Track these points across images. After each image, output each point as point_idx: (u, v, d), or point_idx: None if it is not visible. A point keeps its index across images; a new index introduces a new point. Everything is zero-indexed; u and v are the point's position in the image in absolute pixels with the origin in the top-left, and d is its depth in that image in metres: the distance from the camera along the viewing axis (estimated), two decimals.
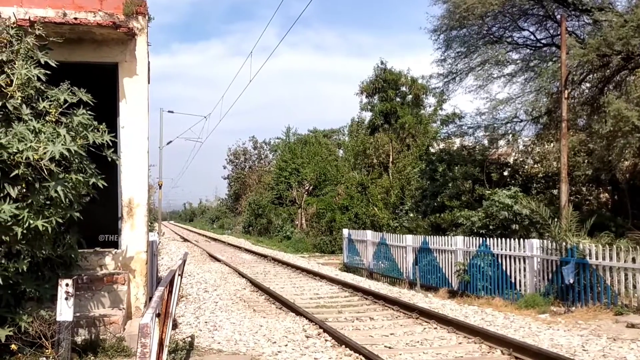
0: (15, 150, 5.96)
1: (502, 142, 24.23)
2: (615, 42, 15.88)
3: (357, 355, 8.29)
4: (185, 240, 45.82)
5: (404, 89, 37.41)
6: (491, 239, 14.86)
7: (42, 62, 6.80)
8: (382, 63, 37.31)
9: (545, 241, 13.46)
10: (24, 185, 6.12)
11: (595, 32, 17.66)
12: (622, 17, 16.45)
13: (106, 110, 8.30)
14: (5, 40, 6.64)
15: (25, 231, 6.02)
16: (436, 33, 21.93)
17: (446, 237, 17.03)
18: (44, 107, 6.61)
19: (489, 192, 19.61)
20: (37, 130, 6.26)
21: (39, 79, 6.60)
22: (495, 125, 22.44)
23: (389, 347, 8.98)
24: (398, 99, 36.97)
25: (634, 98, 15.92)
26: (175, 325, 9.92)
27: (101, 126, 7.01)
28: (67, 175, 6.41)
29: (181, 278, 9.06)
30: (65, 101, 6.77)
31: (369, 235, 21.69)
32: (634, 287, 11.26)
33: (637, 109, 15.21)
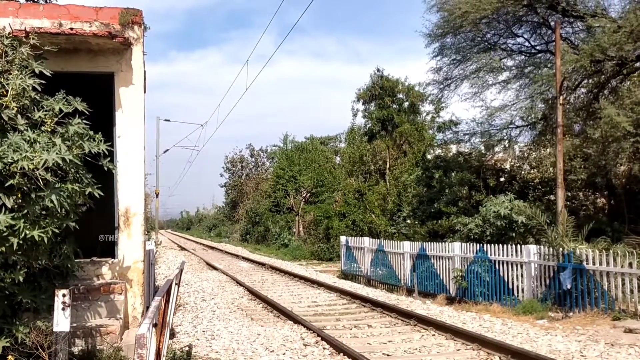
0: (10, 160, 5.94)
1: (498, 148, 24.26)
2: (609, 48, 15.95)
3: None
4: (183, 248, 45.74)
5: (400, 96, 37.53)
6: (488, 245, 14.87)
7: (37, 72, 6.80)
8: (378, 70, 37.46)
9: (542, 247, 13.49)
10: (19, 196, 6.09)
11: (589, 38, 17.74)
12: (615, 23, 16.54)
13: (103, 119, 8.31)
14: (0, 51, 6.65)
15: (21, 241, 5.99)
16: (430, 37, 22.00)
17: (443, 243, 17.04)
18: (39, 117, 6.60)
19: (485, 198, 19.65)
20: (33, 140, 6.24)
21: (34, 88, 6.59)
22: (491, 131, 22.49)
23: (387, 355, 8.98)
24: (395, 106, 37.07)
25: (627, 104, 15.98)
26: (172, 335, 9.90)
27: (97, 135, 7.00)
28: (63, 184, 6.39)
29: (178, 287, 9.04)
30: (61, 111, 6.76)
31: (367, 242, 21.69)
32: (631, 292, 11.27)
33: (630, 115, 15.26)
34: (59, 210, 6.27)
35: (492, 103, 21.95)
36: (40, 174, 6.04)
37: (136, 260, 8.60)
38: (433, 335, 10.28)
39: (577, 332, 10.39)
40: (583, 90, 20.06)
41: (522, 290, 13.60)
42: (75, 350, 7.09)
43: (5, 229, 5.86)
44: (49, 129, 6.57)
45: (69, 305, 5.93)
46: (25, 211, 6.09)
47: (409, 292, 17.51)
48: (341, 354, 8.85)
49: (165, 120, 69.68)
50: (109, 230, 8.98)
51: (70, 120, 6.78)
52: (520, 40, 21.77)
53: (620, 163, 18.63)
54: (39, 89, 6.69)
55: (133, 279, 8.56)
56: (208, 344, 9.82)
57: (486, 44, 21.70)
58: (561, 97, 15.84)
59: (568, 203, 17.94)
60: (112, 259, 8.60)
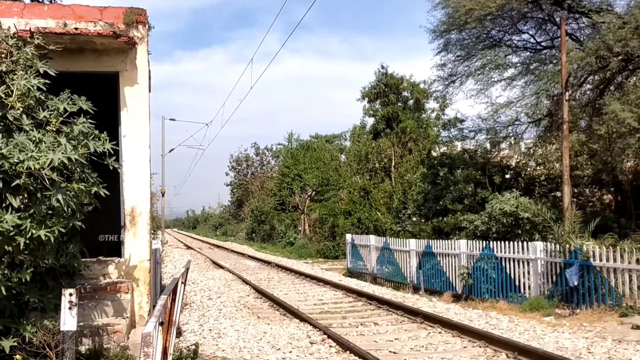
0: (16, 160, 5.96)
1: (503, 145, 24.20)
2: (614, 44, 15.86)
3: None
4: (189, 247, 45.83)
5: (405, 93, 37.45)
6: (495, 242, 14.83)
7: (42, 72, 6.82)
8: (382, 67, 37.40)
9: (548, 244, 13.44)
10: (25, 195, 6.11)
11: (595, 35, 17.66)
12: (621, 19, 16.44)
13: (108, 119, 8.32)
14: (5, 51, 6.66)
15: (27, 241, 6.01)
16: (435, 34, 21.94)
17: (449, 241, 17.00)
18: (44, 116, 6.61)
19: (490, 195, 19.60)
20: (38, 140, 6.26)
21: (39, 88, 6.61)
22: (496, 128, 22.41)
23: (394, 352, 8.97)
24: (400, 104, 37.00)
25: (632, 100, 15.90)
26: (179, 333, 9.92)
27: (102, 135, 7.01)
28: (69, 184, 6.41)
29: (184, 286, 9.06)
30: (65, 110, 6.77)
31: (372, 240, 21.66)
32: (639, 288, 11.22)
33: (635, 111, 15.18)
34: (65, 210, 6.28)
35: (497, 100, 21.87)
36: (46, 174, 6.06)
37: (142, 259, 8.62)
38: (439, 332, 10.27)
39: (584, 329, 10.35)
40: (589, 86, 19.96)
41: (529, 287, 13.56)
42: (83, 349, 7.11)
43: (11, 229, 5.87)
44: (54, 129, 6.58)
45: (75, 305, 5.94)
46: (32, 211, 6.10)
47: (415, 289, 17.48)
48: (347, 351, 8.84)
49: (171, 119, 69.67)
50: (115, 230, 9.00)
51: (75, 120, 6.79)
52: (525, 36, 21.72)
53: (627, 159, 18.56)
54: (44, 88, 6.70)
55: (139, 278, 8.58)
56: (214, 342, 9.83)
57: (491, 40, 21.63)
58: (567, 94, 15.77)
59: (574, 199, 17.89)
60: (119, 258, 8.61)
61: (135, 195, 8.64)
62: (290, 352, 9.02)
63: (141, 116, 8.71)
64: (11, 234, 5.90)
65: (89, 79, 8.61)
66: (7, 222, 5.85)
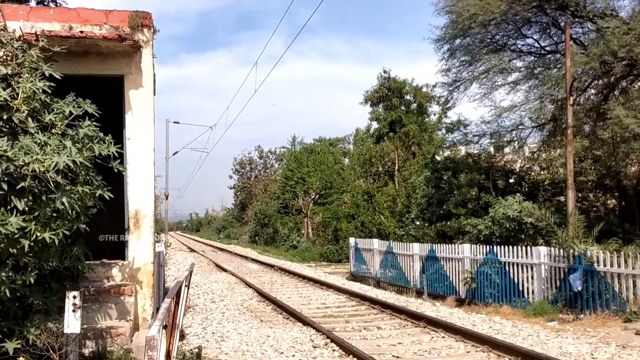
0: (21, 163, 5.98)
1: (507, 149, 24.17)
2: (618, 50, 15.84)
3: None
4: (192, 250, 45.83)
5: (408, 97, 37.47)
6: (498, 246, 14.80)
7: (47, 75, 6.84)
8: (385, 72, 37.42)
9: (552, 248, 13.41)
10: (30, 198, 6.13)
11: (599, 40, 17.63)
12: (626, 25, 16.42)
13: (112, 121, 8.35)
14: (11, 54, 6.69)
15: (32, 243, 6.02)
16: (440, 43, 21.95)
17: (453, 245, 16.98)
18: (49, 119, 6.64)
19: (494, 199, 19.57)
20: (43, 143, 6.28)
21: (44, 91, 6.63)
22: (500, 132, 22.39)
23: (397, 357, 8.96)
24: (403, 108, 37.02)
25: (636, 105, 15.87)
26: (182, 336, 9.92)
27: (107, 138, 7.03)
28: (73, 187, 6.42)
29: (188, 289, 9.07)
30: (71, 113, 6.79)
31: (376, 243, 21.65)
32: None
33: (638, 116, 15.14)
34: (69, 213, 6.29)
35: (501, 104, 21.85)
36: (51, 177, 6.07)
37: (146, 262, 8.63)
38: (443, 337, 10.25)
39: (588, 334, 10.32)
40: (593, 91, 19.95)
41: (533, 292, 13.53)
42: (86, 351, 7.12)
43: (16, 231, 5.89)
44: (60, 132, 6.60)
45: (79, 307, 5.95)
46: (36, 213, 6.12)
47: (419, 293, 17.47)
48: (351, 355, 8.84)
49: (175, 122, 69.50)
50: (119, 233, 9.02)
51: (81, 123, 6.82)
52: (529, 41, 21.70)
53: (631, 164, 18.52)
54: (49, 91, 6.73)
55: (143, 280, 8.59)
56: (217, 345, 9.83)
57: (495, 45, 21.62)
58: (571, 98, 15.76)
59: (578, 204, 17.83)
60: (122, 261, 8.63)
61: (139, 198, 8.66)
62: (294, 355, 9.01)
63: (146, 119, 8.74)
64: (16, 236, 5.92)
65: (94, 82, 8.65)
66: (11, 224, 5.86)
